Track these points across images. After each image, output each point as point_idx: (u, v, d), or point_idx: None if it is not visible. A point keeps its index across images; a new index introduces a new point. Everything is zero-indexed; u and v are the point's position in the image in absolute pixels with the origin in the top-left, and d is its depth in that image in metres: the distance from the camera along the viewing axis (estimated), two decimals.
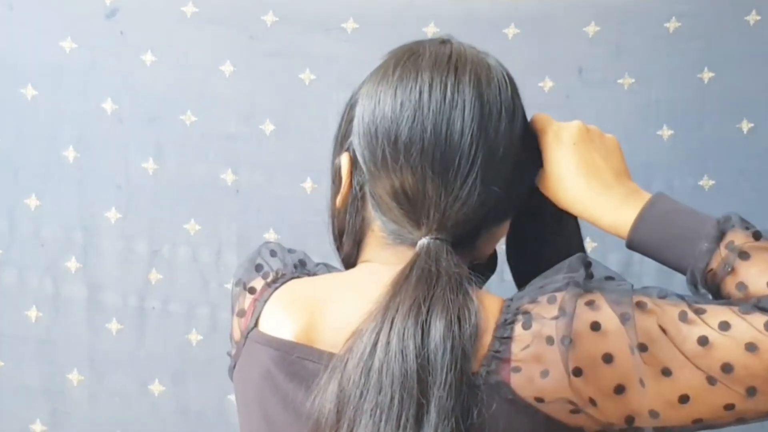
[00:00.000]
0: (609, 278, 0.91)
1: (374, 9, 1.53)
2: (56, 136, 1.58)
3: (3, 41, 1.58)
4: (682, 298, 0.88)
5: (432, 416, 0.85)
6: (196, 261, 1.57)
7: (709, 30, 1.47)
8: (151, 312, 1.57)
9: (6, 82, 1.58)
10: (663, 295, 0.89)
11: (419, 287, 0.89)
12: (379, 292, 0.90)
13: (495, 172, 0.94)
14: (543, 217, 1.04)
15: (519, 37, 1.50)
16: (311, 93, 1.54)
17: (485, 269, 1.02)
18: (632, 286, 0.89)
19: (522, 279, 1.05)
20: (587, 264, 0.91)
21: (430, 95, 0.94)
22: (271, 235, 1.55)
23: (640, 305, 0.86)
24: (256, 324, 0.99)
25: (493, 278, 1.08)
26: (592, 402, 0.86)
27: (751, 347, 0.84)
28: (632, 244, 0.96)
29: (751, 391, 0.85)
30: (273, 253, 1.06)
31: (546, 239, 1.06)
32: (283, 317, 0.97)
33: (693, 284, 0.92)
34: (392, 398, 0.85)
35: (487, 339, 0.88)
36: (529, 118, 1.01)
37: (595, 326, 0.86)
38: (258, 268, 1.04)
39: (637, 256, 1.00)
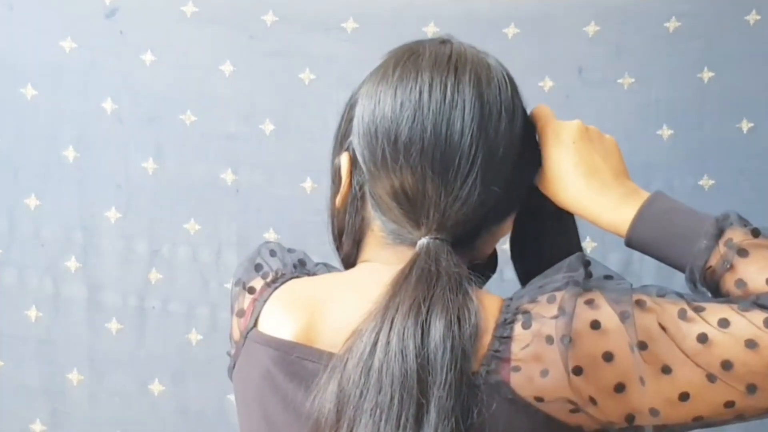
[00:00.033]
0: (608, 277, 0.91)
1: (374, 9, 1.53)
2: (56, 136, 1.58)
3: (3, 41, 1.58)
4: (681, 296, 0.88)
5: (432, 416, 0.85)
6: (196, 261, 1.57)
7: (709, 30, 1.47)
8: (151, 312, 1.57)
9: (6, 82, 1.58)
10: (662, 294, 0.89)
11: (419, 287, 0.89)
12: (378, 292, 0.90)
13: (495, 172, 0.94)
14: (542, 216, 1.04)
15: (519, 37, 1.50)
16: (311, 93, 1.54)
17: (485, 269, 1.02)
18: (631, 285, 0.89)
19: (525, 278, 1.05)
20: (586, 263, 0.91)
21: (430, 95, 0.94)
22: (271, 235, 1.55)
23: (639, 303, 0.86)
24: (255, 324, 0.99)
25: (493, 278, 1.08)
26: (593, 401, 0.86)
27: (750, 344, 0.84)
28: (631, 243, 0.96)
29: (751, 388, 0.85)
30: (272, 253, 1.06)
31: (546, 238, 1.06)
32: (282, 317, 0.97)
33: (692, 282, 0.92)
34: (392, 398, 0.85)
35: (486, 338, 0.88)
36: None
37: (595, 325, 0.86)
38: (257, 267, 1.04)
39: (636, 255, 1.00)
